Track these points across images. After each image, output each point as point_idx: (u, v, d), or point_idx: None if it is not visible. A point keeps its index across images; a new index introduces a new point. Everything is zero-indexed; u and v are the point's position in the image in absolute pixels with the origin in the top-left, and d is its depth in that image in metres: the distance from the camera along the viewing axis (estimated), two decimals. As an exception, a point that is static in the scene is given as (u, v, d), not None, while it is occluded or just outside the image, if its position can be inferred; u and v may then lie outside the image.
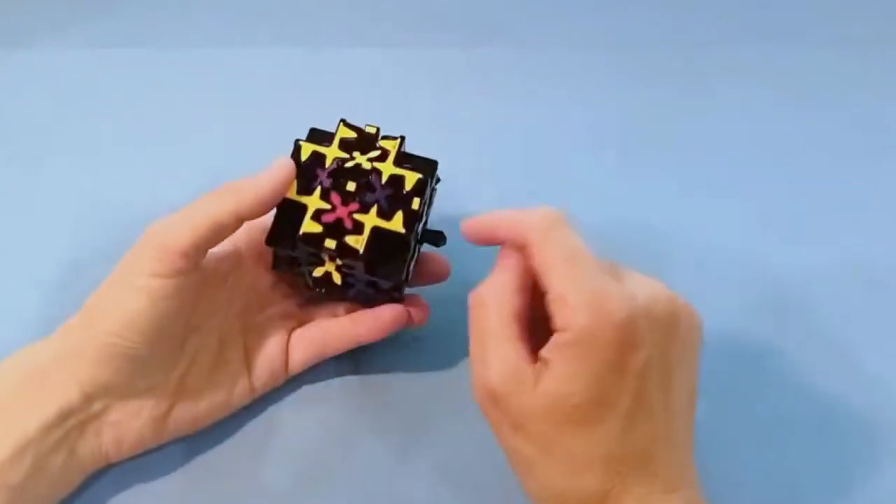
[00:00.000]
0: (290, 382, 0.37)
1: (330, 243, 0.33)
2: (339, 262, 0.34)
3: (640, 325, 0.27)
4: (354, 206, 0.33)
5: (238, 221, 0.32)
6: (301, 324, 0.37)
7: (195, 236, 0.31)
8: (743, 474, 0.36)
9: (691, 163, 0.46)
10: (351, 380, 0.38)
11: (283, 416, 0.37)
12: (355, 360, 0.38)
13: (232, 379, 0.35)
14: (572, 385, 0.27)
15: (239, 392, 0.35)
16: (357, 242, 0.33)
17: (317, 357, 0.36)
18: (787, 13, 0.53)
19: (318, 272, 0.35)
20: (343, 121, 0.35)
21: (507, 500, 0.33)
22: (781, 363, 0.39)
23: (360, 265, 0.33)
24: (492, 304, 0.29)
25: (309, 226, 0.33)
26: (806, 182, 0.46)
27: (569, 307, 0.27)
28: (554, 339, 0.27)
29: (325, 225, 0.33)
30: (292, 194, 0.33)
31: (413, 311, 0.36)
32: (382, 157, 0.34)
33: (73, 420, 0.31)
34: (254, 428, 0.36)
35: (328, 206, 0.33)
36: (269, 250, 0.36)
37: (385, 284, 0.34)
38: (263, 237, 0.34)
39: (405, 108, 0.46)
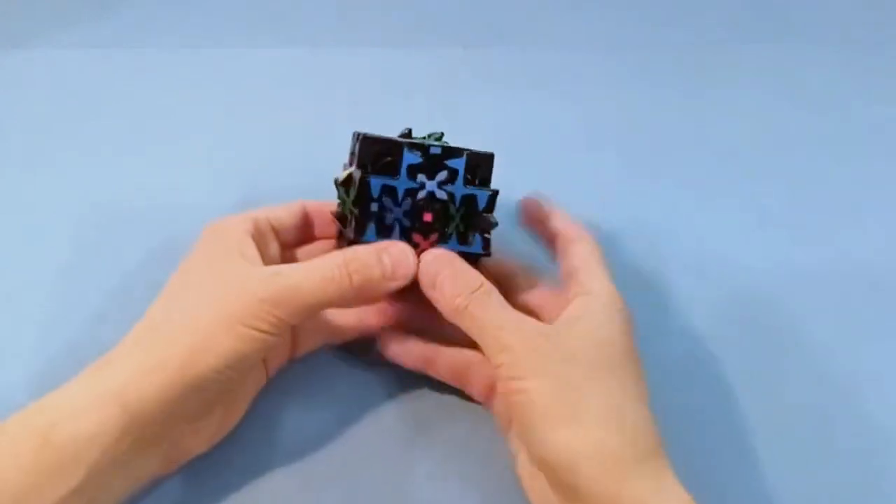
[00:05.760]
0: (293, 381, 0.37)
1: None
2: None
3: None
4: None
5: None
6: None
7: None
8: (737, 477, 0.36)
9: (691, 163, 0.46)
10: (354, 379, 0.38)
11: (285, 415, 0.36)
12: (359, 358, 0.38)
13: (258, 383, 0.35)
14: (607, 330, 0.31)
15: (258, 388, 0.35)
16: None
17: (323, 342, 0.37)
18: (788, 13, 0.53)
19: None
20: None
21: (511, 501, 0.33)
22: (780, 363, 0.39)
23: None
24: (491, 291, 0.32)
25: None
26: (805, 182, 0.46)
27: (597, 278, 0.32)
28: (579, 299, 0.32)
29: None
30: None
31: None
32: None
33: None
34: (256, 427, 0.36)
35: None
36: None
37: None
38: None
39: (405, 108, 0.46)
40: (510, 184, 0.45)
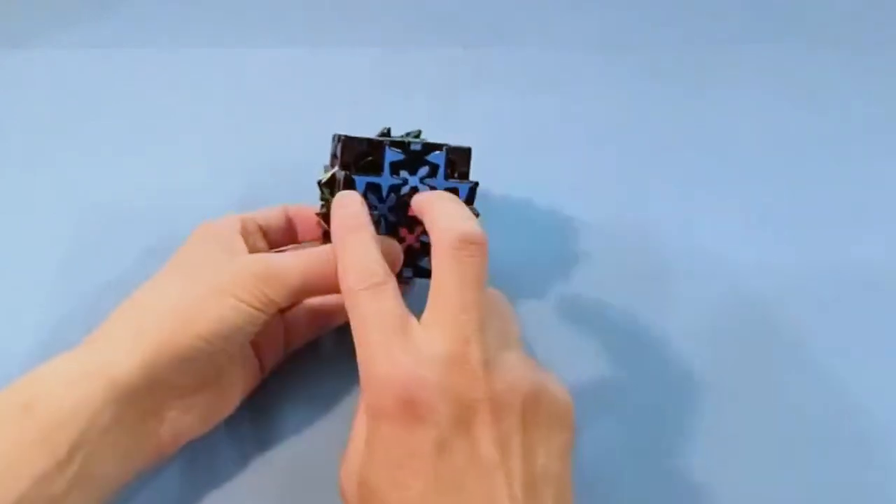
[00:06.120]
0: (290, 380, 0.37)
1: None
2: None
3: (432, 393, 0.25)
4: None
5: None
6: None
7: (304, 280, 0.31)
8: (735, 476, 0.36)
9: (691, 163, 0.46)
10: (350, 377, 0.38)
11: (282, 415, 0.36)
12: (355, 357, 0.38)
13: (253, 373, 0.35)
14: (368, 468, 0.27)
15: (253, 379, 0.35)
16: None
17: (320, 329, 0.37)
18: (788, 13, 0.53)
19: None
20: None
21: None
22: (779, 362, 0.39)
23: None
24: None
25: None
26: (805, 182, 0.46)
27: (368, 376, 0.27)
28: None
29: None
30: None
31: None
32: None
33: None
34: (253, 426, 0.36)
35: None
36: None
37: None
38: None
39: (405, 108, 0.46)
40: (511, 183, 0.45)
